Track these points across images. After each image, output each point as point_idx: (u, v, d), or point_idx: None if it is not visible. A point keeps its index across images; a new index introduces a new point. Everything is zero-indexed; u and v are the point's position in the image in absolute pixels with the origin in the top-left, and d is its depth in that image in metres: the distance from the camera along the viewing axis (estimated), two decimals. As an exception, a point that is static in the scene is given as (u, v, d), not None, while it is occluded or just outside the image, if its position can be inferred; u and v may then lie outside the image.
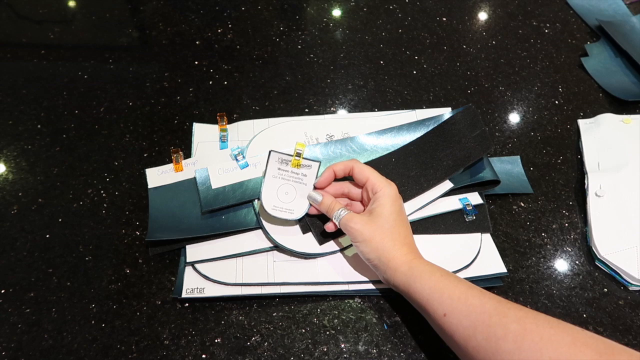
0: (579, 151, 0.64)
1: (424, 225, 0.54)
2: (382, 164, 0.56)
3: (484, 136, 0.56)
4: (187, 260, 0.50)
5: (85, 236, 0.53)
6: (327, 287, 0.50)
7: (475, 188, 0.56)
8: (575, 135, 0.66)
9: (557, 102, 0.70)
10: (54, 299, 0.49)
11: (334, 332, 0.48)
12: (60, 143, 0.61)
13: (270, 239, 0.51)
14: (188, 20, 0.79)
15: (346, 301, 0.50)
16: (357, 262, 0.51)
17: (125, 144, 0.62)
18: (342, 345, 0.47)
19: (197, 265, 0.50)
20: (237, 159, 0.57)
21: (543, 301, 0.50)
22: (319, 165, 0.52)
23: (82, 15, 0.79)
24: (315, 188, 0.52)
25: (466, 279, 0.47)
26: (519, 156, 0.62)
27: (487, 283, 0.51)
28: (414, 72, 0.73)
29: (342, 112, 0.67)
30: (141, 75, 0.70)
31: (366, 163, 0.55)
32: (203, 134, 0.62)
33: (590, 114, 0.68)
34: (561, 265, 0.53)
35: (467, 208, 0.54)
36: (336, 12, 0.82)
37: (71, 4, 0.82)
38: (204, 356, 0.46)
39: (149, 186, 0.56)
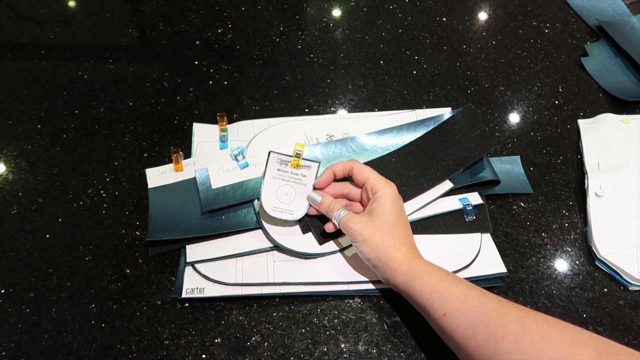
0: (579, 151, 0.64)
1: (424, 225, 0.54)
2: (382, 164, 0.56)
3: (484, 136, 0.56)
4: (187, 260, 0.50)
5: (85, 236, 0.53)
6: (327, 287, 0.50)
7: (475, 188, 0.56)
8: (575, 135, 0.66)
9: (557, 102, 0.70)
10: (54, 299, 0.49)
11: (334, 332, 0.48)
12: (60, 143, 0.61)
13: (270, 239, 0.51)
14: (188, 20, 0.79)
15: (346, 301, 0.50)
16: (357, 262, 0.51)
17: (125, 144, 0.62)
18: (342, 345, 0.47)
19: (197, 265, 0.50)
20: (237, 159, 0.57)
21: (543, 301, 0.50)
22: (319, 166, 0.52)
23: (82, 15, 0.79)
24: (314, 188, 0.52)
25: (466, 279, 0.47)
26: (519, 156, 0.62)
27: (487, 283, 0.51)
28: (414, 72, 0.73)
29: (342, 112, 0.67)
30: (141, 75, 0.70)
31: (366, 163, 0.55)
32: (203, 134, 0.62)
33: (590, 114, 0.68)
34: (561, 265, 0.53)
35: (467, 208, 0.54)
36: (336, 12, 0.82)
37: (71, 4, 0.82)
38: (204, 356, 0.46)
39: (149, 186, 0.56)
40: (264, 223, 0.52)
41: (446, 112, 0.63)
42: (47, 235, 0.53)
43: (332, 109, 0.67)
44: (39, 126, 0.63)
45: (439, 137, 0.57)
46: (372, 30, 0.79)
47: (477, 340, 0.39)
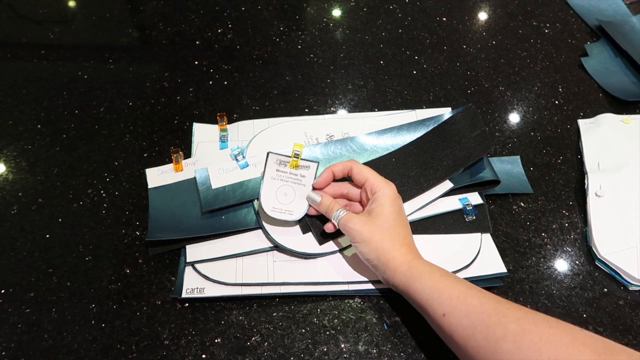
0: (579, 151, 0.64)
1: (424, 225, 0.54)
2: (382, 164, 0.56)
3: (484, 136, 0.56)
4: (187, 260, 0.50)
5: (85, 236, 0.53)
6: (327, 287, 0.50)
7: (475, 188, 0.56)
8: (575, 135, 0.65)
9: (557, 102, 0.70)
10: (54, 299, 0.49)
11: (334, 332, 0.48)
12: (60, 143, 0.61)
13: (270, 239, 0.51)
14: (188, 20, 0.79)
15: (346, 301, 0.50)
16: (356, 262, 0.51)
17: (125, 144, 0.62)
18: (342, 345, 0.47)
19: (197, 265, 0.50)
20: (237, 159, 0.57)
21: (543, 301, 0.50)
22: (318, 166, 0.52)
23: (82, 15, 0.79)
24: (314, 189, 0.52)
25: (466, 279, 0.47)
26: (519, 156, 0.62)
27: (487, 283, 0.51)
28: (414, 72, 0.73)
29: (342, 112, 0.67)
30: (141, 75, 0.70)
31: (366, 163, 0.55)
32: (203, 134, 0.62)
33: (590, 114, 0.68)
34: (561, 265, 0.53)
35: (467, 208, 0.54)
36: (336, 12, 0.82)
37: (71, 4, 0.82)
38: (204, 356, 0.46)
39: (149, 186, 0.56)
40: (264, 223, 0.52)
41: (446, 112, 0.63)
42: (47, 235, 0.53)
43: (332, 109, 0.67)
44: (39, 126, 0.63)
45: (439, 137, 0.57)
46: (372, 30, 0.79)
47: (477, 340, 0.39)
